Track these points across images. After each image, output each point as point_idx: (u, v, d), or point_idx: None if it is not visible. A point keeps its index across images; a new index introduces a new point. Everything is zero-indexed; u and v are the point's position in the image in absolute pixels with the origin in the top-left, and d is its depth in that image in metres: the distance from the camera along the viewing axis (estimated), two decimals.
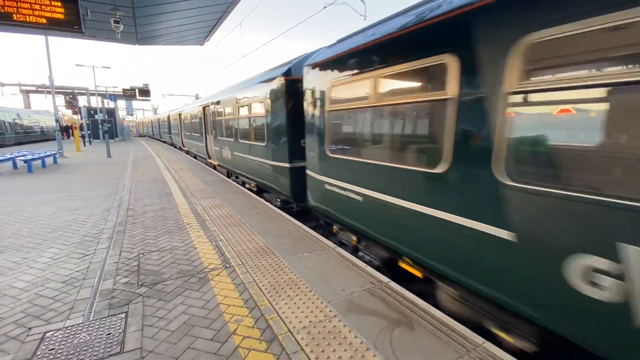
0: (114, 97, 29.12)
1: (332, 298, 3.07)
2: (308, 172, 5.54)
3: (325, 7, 11.78)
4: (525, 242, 2.30)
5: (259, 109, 7.30)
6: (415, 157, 3.30)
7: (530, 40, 2.16)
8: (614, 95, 1.90)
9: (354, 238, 4.67)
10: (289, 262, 3.86)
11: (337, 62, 4.44)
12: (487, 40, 2.45)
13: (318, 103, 4.96)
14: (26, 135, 31.44)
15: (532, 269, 2.27)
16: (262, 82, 7.14)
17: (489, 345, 2.39)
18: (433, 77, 3.03)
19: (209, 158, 13.42)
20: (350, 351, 2.35)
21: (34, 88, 39.09)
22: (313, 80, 5.08)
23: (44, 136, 36.12)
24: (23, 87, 39.00)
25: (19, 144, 29.13)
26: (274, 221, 5.49)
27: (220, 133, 10.96)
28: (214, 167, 12.91)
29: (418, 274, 3.56)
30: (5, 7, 6.15)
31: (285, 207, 7.05)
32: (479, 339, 2.46)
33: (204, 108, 13.09)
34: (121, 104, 48.03)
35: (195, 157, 17.06)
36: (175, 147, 24.14)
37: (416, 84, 3.30)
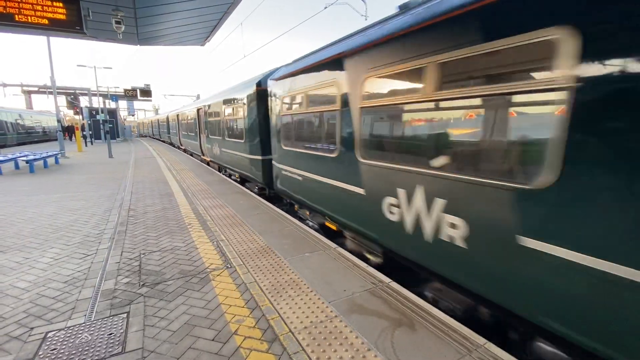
0: (115, 97, 29.10)
1: (333, 298, 3.07)
2: (273, 162, 7.08)
3: (326, 7, 11.79)
4: (368, 194, 3.93)
5: (239, 113, 8.78)
6: (325, 147, 4.95)
7: (366, 77, 3.78)
8: (392, 110, 3.63)
9: (307, 212, 6.16)
10: (290, 262, 3.86)
11: (285, 80, 6.04)
12: (350, 74, 4.07)
13: (277, 109, 6.54)
14: (28, 136, 31.54)
15: (371, 209, 3.87)
16: (240, 90, 8.68)
17: (491, 346, 2.39)
18: (331, 95, 4.56)
19: (203, 155, 15.08)
20: (352, 351, 2.35)
21: (36, 89, 39.22)
22: (273, 92, 6.68)
23: (45, 136, 36.22)
24: (25, 88, 39.13)
25: (21, 144, 29.23)
26: (275, 221, 5.49)
27: (210, 132, 12.62)
28: (207, 163, 14.20)
29: (333, 227, 5.19)
30: (7, 8, 6.17)
31: (262, 193, 8.52)
32: (481, 340, 2.45)
33: (197, 110, 14.62)
34: (122, 104, 48.15)
35: (192, 155, 18.28)
36: (174, 146, 25.13)
37: (325, 99, 4.84)
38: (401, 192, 3.35)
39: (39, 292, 3.24)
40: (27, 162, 11.69)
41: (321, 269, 3.67)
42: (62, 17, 6.52)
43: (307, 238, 4.68)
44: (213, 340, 2.50)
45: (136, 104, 56.85)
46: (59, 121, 17.55)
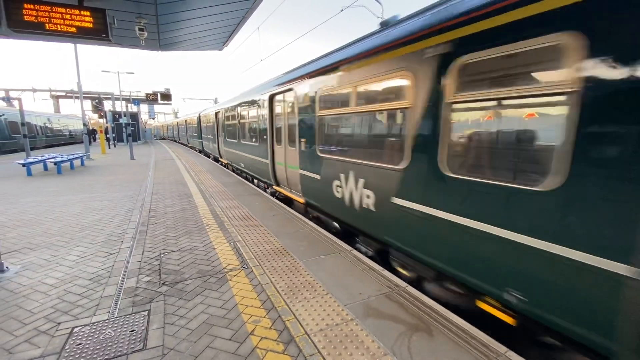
0: (137, 101, 30.12)
1: (349, 301, 3.05)
2: (202, 140, 21.14)
3: (342, 10, 11.81)
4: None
5: (193, 124, 24.32)
6: (210, 137, 17.38)
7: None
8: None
9: (225, 161, 15.07)
10: (306, 264, 3.87)
11: (203, 115, 19.95)
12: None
13: (200, 123, 21.09)
14: (55, 138, 32.97)
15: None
16: (194, 115, 23.62)
17: (512, 355, 2.32)
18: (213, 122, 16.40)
19: (188, 143, 28.91)
20: (368, 356, 2.33)
21: (64, 93, 40.93)
22: (202, 118, 20.22)
23: (72, 139, 37.76)
24: (53, 93, 40.91)
25: (50, 147, 30.59)
26: (291, 223, 5.53)
27: (188, 132, 27.88)
28: (191, 148, 26.05)
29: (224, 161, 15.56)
30: (39, 18, 6.50)
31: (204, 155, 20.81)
32: (502, 348, 2.39)
33: (185, 121, 29.28)
34: (143, 107, 49.62)
35: (185, 145, 30.93)
36: (176, 141, 40.09)
37: (205, 124, 19.14)
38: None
39: (66, 289, 3.38)
40: (55, 163, 12.24)
41: (336, 272, 3.67)
42: (90, 25, 6.80)
43: (322, 240, 4.68)
44: (230, 339, 2.54)
45: (156, 107, 58.44)
46: (85, 125, 18.27)
